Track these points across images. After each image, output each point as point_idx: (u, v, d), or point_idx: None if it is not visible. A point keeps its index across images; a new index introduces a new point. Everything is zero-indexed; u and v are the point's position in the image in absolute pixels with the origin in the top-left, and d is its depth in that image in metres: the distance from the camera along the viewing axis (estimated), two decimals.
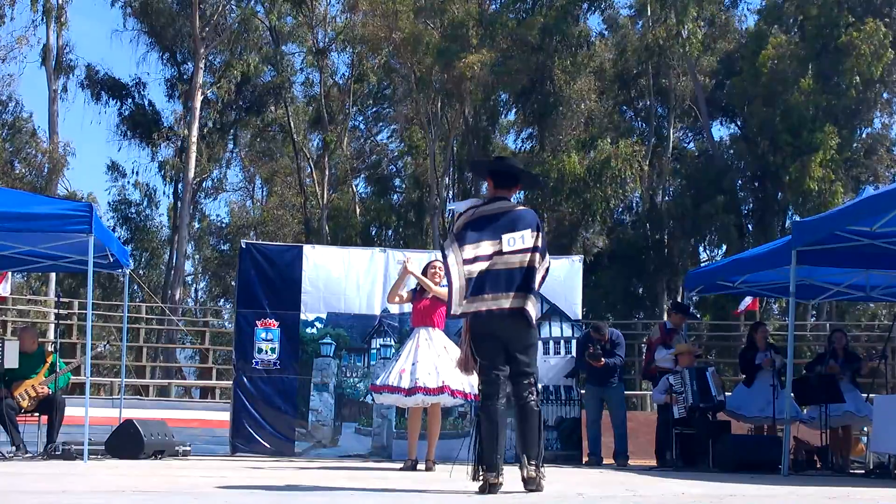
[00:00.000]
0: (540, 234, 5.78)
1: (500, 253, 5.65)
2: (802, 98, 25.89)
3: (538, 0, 29.24)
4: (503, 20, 28.64)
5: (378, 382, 8.39)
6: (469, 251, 5.65)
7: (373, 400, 9.72)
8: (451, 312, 5.72)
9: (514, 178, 6.00)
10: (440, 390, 8.04)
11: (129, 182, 34.04)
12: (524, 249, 5.69)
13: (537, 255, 5.72)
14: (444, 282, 8.38)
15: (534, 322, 5.74)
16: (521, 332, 5.69)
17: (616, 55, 30.16)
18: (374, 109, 34.99)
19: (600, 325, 10.99)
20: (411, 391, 8.05)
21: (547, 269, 5.90)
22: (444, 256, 5.78)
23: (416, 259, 9.12)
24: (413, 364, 8.10)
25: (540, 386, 5.79)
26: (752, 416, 10.44)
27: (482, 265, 5.64)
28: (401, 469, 8.14)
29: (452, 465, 6.46)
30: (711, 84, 30.67)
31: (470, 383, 8.08)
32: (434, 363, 8.09)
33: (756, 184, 29.70)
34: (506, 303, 5.61)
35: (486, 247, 5.65)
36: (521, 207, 5.92)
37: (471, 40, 27.36)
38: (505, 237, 5.65)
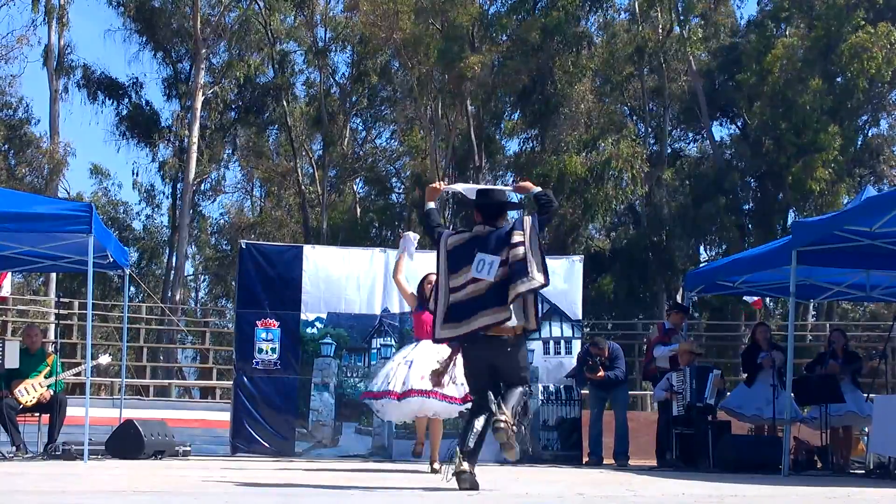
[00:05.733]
0: (517, 233, 5.87)
1: (473, 280, 5.86)
2: (810, 98, 25.87)
3: (539, 0, 29.24)
4: (503, 21, 28.63)
5: (375, 389, 8.15)
6: (454, 279, 5.96)
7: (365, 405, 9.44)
8: (435, 337, 6.13)
9: (498, 208, 6.17)
10: (431, 394, 7.92)
11: (113, 183, 34.31)
12: (494, 268, 5.83)
13: (502, 268, 5.82)
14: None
15: (513, 322, 5.83)
16: (503, 354, 5.86)
17: (617, 55, 30.12)
18: (375, 109, 34.97)
19: (598, 341, 11.02)
20: (403, 395, 7.91)
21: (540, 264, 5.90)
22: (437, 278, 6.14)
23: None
24: (408, 368, 7.98)
25: (542, 386, 5.88)
26: (751, 416, 10.44)
27: (461, 293, 5.90)
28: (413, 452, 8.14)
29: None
30: (709, 84, 30.66)
31: (463, 383, 8.05)
32: (428, 370, 7.97)
33: (757, 184, 29.70)
34: (481, 322, 5.80)
35: (465, 274, 5.90)
36: (500, 226, 6.02)
37: (472, 41, 27.37)
38: (476, 260, 5.86)
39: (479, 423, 5.69)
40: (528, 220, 5.97)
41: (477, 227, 6.08)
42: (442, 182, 6.86)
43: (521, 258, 5.80)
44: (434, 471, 8.06)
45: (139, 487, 5.76)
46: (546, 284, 5.88)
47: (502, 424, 5.56)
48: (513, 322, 5.82)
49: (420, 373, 7.95)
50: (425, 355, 8.08)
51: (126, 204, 34.76)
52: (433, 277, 8.45)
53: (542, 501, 5.16)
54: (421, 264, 9.06)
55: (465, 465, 5.56)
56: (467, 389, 8.08)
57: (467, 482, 5.54)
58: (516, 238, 5.85)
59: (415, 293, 8.44)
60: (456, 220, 31.49)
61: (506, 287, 5.79)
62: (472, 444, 5.63)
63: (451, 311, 5.94)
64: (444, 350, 8.19)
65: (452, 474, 5.60)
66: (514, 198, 6.60)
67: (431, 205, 6.53)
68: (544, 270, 5.85)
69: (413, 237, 8.48)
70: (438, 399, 7.98)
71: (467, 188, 6.72)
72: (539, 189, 6.15)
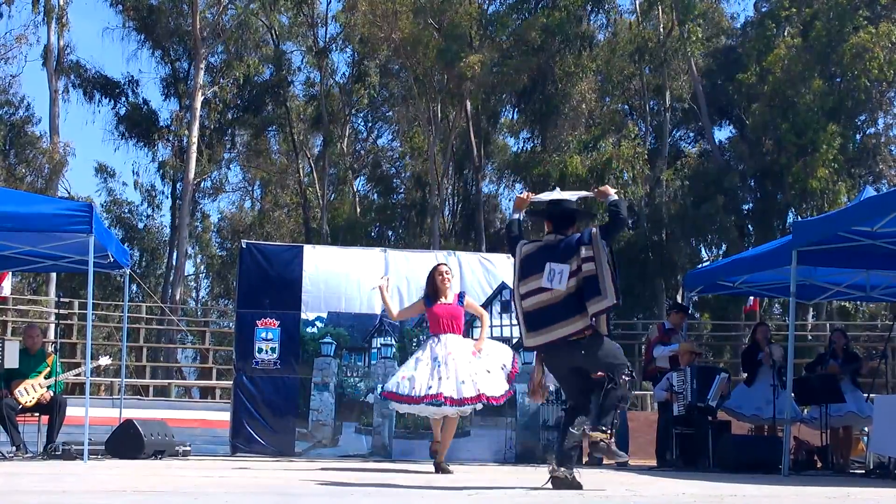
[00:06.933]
0: (586, 248, 5.92)
1: (544, 289, 5.91)
2: (811, 98, 25.85)
3: (540, 0, 29.24)
4: (504, 20, 28.64)
5: (392, 389, 8.03)
6: (524, 286, 6.02)
7: (376, 399, 9.36)
8: (525, 345, 6.17)
9: (569, 217, 6.25)
10: (437, 397, 7.78)
11: (118, 182, 34.24)
12: (565, 278, 5.89)
13: (573, 279, 5.87)
14: (453, 288, 8.39)
15: (591, 331, 5.88)
16: (580, 357, 5.92)
17: (617, 55, 30.11)
18: (375, 110, 34.96)
19: None
20: (418, 399, 7.82)
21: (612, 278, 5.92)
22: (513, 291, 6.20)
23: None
24: (438, 368, 7.88)
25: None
26: (750, 415, 10.44)
27: (532, 300, 5.96)
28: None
29: None
30: (710, 83, 30.65)
31: (469, 381, 8.00)
32: (442, 373, 7.86)
33: (757, 184, 29.68)
34: (560, 332, 5.87)
35: (535, 282, 5.96)
36: (570, 235, 6.07)
37: (471, 40, 27.37)
38: (546, 271, 5.90)
39: (576, 428, 5.74)
40: (595, 232, 6.00)
41: (547, 237, 6.12)
42: (530, 193, 6.82)
43: (591, 275, 5.85)
44: (444, 470, 7.97)
45: (139, 487, 5.76)
46: (618, 304, 5.88)
47: (600, 442, 5.67)
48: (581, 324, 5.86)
49: (460, 377, 7.84)
50: (458, 355, 7.98)
51: (131, 204, 34.76)
52: (443, 268, 8.45)
53: (543, 501, 5.16)
54: (421, 264, 9.08)
55: (562, 471, 5.64)
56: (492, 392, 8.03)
57: (562, 484, 5.62)
58: (585, 252, 5.90)
59: (420, 300, 8.45)
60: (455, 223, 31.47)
61: (577, 297, 5.84)
62: (568, 449, 5.73)
63: (528, 319, 6.00)
64: (467, 346, 8.16)
65: (549, 478, 5.66)
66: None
67: (515, 216, 6.49)
68: (615, 289, 5.87)
69: (378, 285, 8.53)
70: (460, 405, 7.85)
71: (551, 196, 6.56)
72: (616, 197, 6.17)
